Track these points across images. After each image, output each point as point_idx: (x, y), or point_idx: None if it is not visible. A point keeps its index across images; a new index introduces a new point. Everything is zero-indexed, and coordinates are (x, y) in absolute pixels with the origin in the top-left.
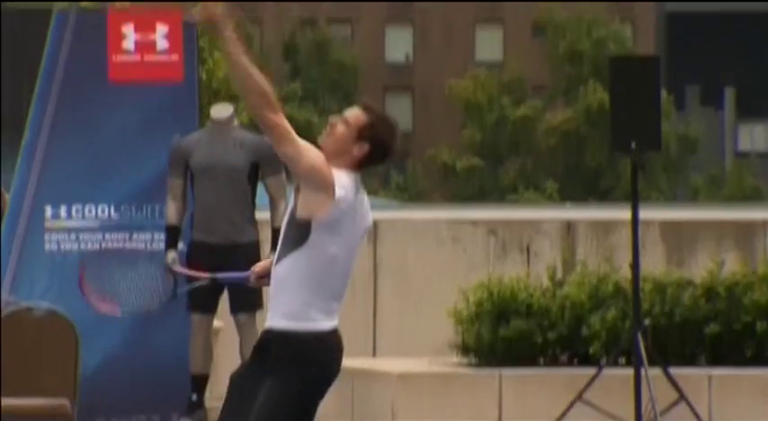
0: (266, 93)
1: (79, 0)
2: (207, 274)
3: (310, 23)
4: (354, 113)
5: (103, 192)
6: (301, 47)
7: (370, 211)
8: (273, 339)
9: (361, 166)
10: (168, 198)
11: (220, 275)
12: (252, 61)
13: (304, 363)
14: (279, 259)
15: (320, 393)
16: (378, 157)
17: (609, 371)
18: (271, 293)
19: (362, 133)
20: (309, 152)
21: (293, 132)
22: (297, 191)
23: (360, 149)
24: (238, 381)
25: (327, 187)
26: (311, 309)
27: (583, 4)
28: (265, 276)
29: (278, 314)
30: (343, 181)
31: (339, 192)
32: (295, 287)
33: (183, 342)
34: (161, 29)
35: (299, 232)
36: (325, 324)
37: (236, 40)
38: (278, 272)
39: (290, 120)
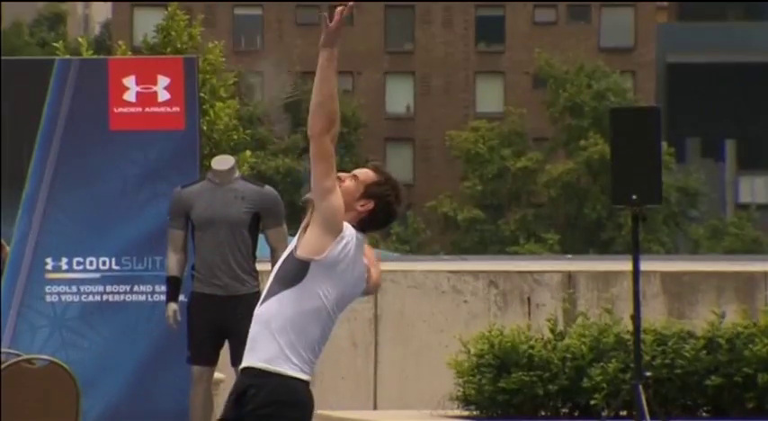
0: (335, 121)
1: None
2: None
3: (311, 75)
4: (364, 171)
5: (104, 243)
6: (302, 99)
7: (364, 283)
8: (250, 381)
9: (364, 225)
10: (169, 249)
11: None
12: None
13: (281, 406)
14: (266, 298)
15: None
16: (381, 218)
17: None
18: (251, 331)
19: (369, 190)
20: (339, 196)
21: (335, 170)
22: (303, 230)
23: (364, 206)
24: None
25: (336, 233)
26: (291, 355)
27: (583, 55)
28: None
29: (257, 354)
30: (348, 231)
31: (342, 238)
32: (278, 328)
33: (184, 393)
34: (162, 81)
35: (296, 271)
36: (301, 374)
37: (336, 57)
38: (263, 312)
39: (292, 172)
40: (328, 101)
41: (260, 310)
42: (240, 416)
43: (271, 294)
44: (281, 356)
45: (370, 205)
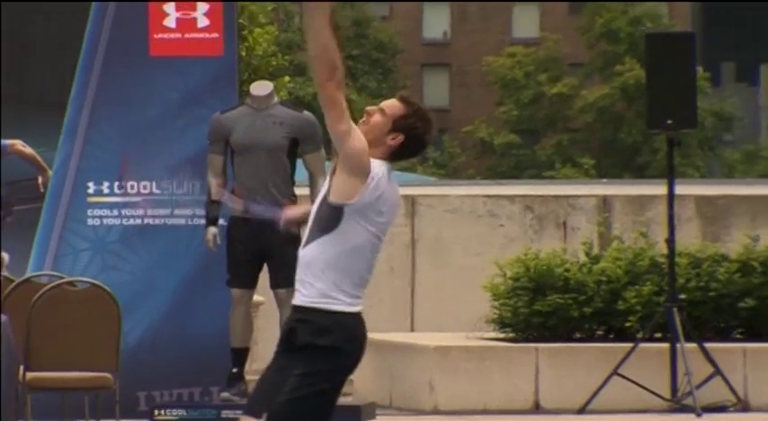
0: (337, 67)
1: None
2: (242, 205)
3: (349, 2)
4: (392, 103)
5: (145, 167)
6: (340, 25)
7: (400, 204)
8: (299, 319)
9: (394, 157)
10: (209, 174)
11: (254, 208)
12: (333, 36)
13: (332, 342)
14: (308, 242)
15: (345, 373)
16: (411, 149)
17: (644, 346)
18: (297, 275)
19: (398, 123)
20: (358, 135)
21: (348, 113)
22: (332, 174)
23: (394, 140)
24: (267, 375)
25: (364, 174)
26: (337, 292)
27: None
28: (294, 222)
29: (302, 295)
30: (376, 169)
31: (372, 179)
32: (323, 270)
33: (224, 315)
34: (201, 7)
35: (331, 217)
36: (350, 307)
37: (327, 7)
38: (306, 255)
39: None
40: (323, 52)
41: (303, 253)
42: (291, 355)
43: (311, 238)
44: (327, 294)
45: (401, 138)
